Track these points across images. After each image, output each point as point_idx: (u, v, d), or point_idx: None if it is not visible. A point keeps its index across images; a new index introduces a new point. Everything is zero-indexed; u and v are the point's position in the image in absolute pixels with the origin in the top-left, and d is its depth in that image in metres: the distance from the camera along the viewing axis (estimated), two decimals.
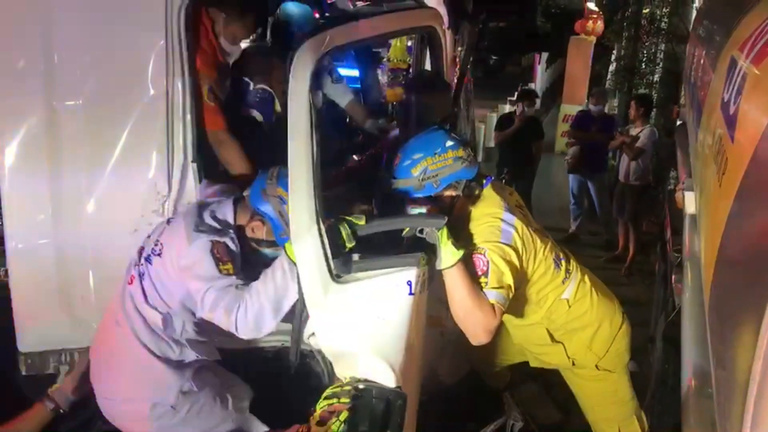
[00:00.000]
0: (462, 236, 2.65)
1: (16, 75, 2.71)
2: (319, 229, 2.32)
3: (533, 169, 7.54)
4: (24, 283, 2.81)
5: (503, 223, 2.63)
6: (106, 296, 2.86)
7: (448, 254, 2.46)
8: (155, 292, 2.52)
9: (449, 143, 2.63)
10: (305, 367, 2.86)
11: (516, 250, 2.60)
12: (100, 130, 2.78)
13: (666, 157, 7.83)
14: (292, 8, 3.86)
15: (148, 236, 2.64)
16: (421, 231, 2.47)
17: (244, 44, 3.42)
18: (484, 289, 2.51)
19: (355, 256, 2.46)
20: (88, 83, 2.76)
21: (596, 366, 2.98)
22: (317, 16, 4.15)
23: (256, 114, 3.25)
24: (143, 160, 2.82)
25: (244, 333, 2.45)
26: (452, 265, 2.45)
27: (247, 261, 2.57)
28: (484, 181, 2.79)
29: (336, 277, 2.41)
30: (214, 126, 2.94)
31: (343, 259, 2.41)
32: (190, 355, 2.60)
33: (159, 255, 2.51)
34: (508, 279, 2.55)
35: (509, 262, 2.57)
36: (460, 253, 2.46)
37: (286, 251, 2.45)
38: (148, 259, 2.53)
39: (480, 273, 2.53)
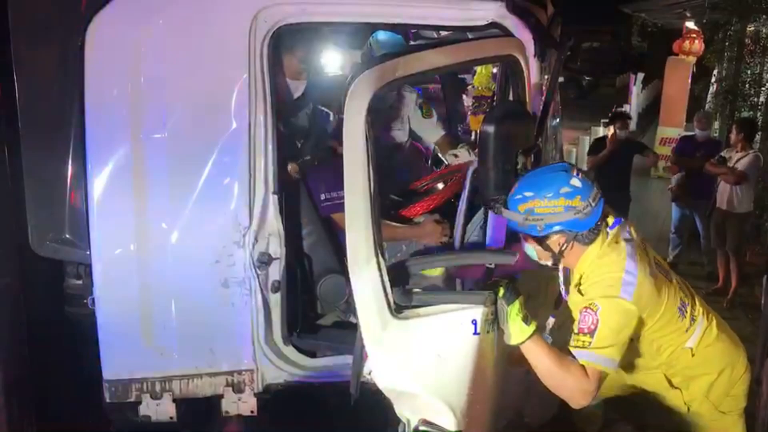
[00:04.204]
0: (583, 285, 2.52)
1: (106, 108, 2.78)
2: (378, 263, 2.26)
3: (627, 194, 7.14)
4: (109, 311, 2.86)
5: (625, 274, 2.45)
6: (188, 326, 2.93)
7: (517, 331, 2.35)
8: None
9: (565, 189, 2.43)
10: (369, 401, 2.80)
11: (636, 306, 2.44)
12: (183, 163, 2.84)
13: None
14: (383, 37, 3.84)
15: None
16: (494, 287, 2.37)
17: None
18: (584, 349, 2.36)
19: (417, 288, 2.39)
20: (173, 117, 2.81)
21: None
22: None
23: (337, 144, 3.24)
24: (225, 192, 2.85)
25: None
26: (521, 342, 2.35)
27: None
28: (610, 224, 2.64)
29: (396, 312, 2.34)
30: None
31: (403, 289, 2.33)
32: None
33: None
34: (621, 338, 2.39)
35: (625, 321, 2.40)
36: (530, 329, 2.35)
37: None
38: None
39: (586, 330, 2.38)
